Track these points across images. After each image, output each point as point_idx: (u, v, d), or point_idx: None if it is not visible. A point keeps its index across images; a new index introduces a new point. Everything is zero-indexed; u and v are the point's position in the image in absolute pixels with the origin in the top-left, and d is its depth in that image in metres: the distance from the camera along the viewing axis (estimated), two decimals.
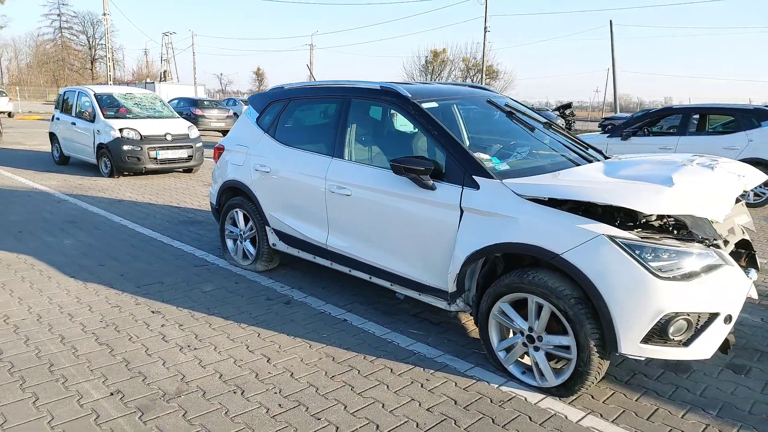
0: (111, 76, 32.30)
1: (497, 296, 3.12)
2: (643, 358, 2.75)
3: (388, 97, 3.85)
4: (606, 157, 4.06)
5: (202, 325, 3.72)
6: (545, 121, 4.22)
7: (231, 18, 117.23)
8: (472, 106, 4.32)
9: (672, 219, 2.86)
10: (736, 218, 3.36)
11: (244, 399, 2.84)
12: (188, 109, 20.85)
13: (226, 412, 2.71)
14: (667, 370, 3.31)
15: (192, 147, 10.39)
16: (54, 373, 3.03)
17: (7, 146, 15.06)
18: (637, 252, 2.67)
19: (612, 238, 2.71)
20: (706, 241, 2.79)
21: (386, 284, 3.80)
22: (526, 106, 4.64)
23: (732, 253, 3.47)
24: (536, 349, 3.04)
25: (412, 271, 3.57)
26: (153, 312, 3.92)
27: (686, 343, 2.74)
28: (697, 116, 10.16)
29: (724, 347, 2.96)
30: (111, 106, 10.49)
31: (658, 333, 2.68)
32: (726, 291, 2.75)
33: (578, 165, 3.64)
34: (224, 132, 20.49)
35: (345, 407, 2.81)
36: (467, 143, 3.83)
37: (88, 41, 72.97)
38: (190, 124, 10.98)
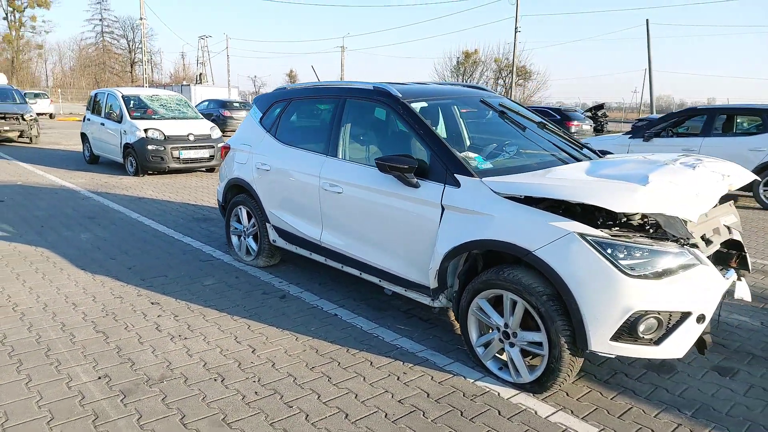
0: (146, 79, 33.22)
1: (475, 292, 3.17)
2: (613, 356, 2.76)
3: (380, 96, 3.93)
4: (600, 156, 4.06)
5: (197, 317, 3.86)
6: (539, 120, 4.23)
7: (265, 21, 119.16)
8: (465, 106, 4.36)
9: (649, 218, 2.86)
10: (722, 218, 3.33)
11: (223, 386, 2.96)
12: (217, 110, 21.34)
13: (203, 398, 2.84)
14: (649, 371, 3.30)
15: (214, 147, 10.66)
16: (50, 357, 3.21)
17: (44, 146, 15.70)
18: (607, 250, 2.68)
19: (582, 235, 2.73)
20: (681, 241, 2.78)
21: (375, 280, 3.87)
22: (525, 107, 4.66)
23: (721, 254, 3.45)
24: (511, 345, 3.07)
25: (398, 267, 3.64)
26: (152, 303, 4.09)
27: (657, 342, 2.73)
28: (722, 117, 9.92)
29: (701, 347, 2.94)
30: (137, 108, 10.87)
31: (628, 331, 2.69)
32: (699, 290, 2.73)
33: (567, 164, 3.65)
34: None
35: (318, 396, 2.90)
36: (453, 142, 3.87)
37: (128, 45, 75.18)
38: (213, 124, 11.27)
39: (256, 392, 2.91)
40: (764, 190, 8.85)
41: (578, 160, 3.81)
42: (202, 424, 2.61)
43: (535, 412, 2.81)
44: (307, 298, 4.31)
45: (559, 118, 19.87)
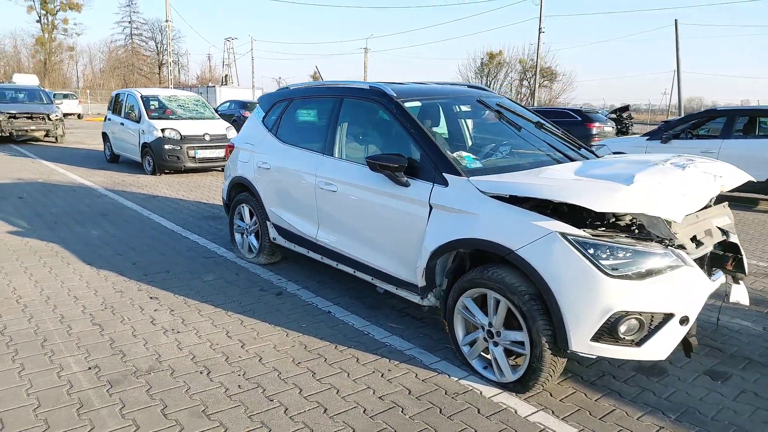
0: (171, 80, 33.83)
1: (461, 291, 3.17)
2: (594, 357, 2.73)
3: (375, 96, 3.96)
4: (598, 157, 4.02)
5: (192, 312, 3.94)
6: (537, 120, 4.21)
7: (289, 23, 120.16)
8: (461, 106, 4.36)
9: (637, 218, 2.83)
10: (714, 220, 3.26)
11: (208, 379, 3.01)
12: (238, 111, 21.57)
13: (187, 390, 2.89)
14: (638, 373, 3.25)
15: None
16: (45, 347, 3.31)
17: (68, 145, 16.11)
18: (589, 250, 2.66)
19: (564, 235, 2.71)
20: (666, 242, 2.74)
21: (368, 278, 3.90)
22: (524, 107, 4.63)
23: (717, 257, 3.39)
24: (495, 344, 3.06)
25: (389, 265, 3.66)
26: (151, 298, 4.18)
27: (639, 343, 2.70)
28: (743, 119, 9.71)
29: (687, 350, 2.90)
30: (156, 108, 11.09)
31: (608, 331, 2.66)
32: (683, 292, 2.69)
33: (561, 164, 3.63)
34: None
35: (300, 391, 2.93)
36: (445, 142, 3.88)
37: (156, 47, 76.52)
38: (228, 125, 11.43)
39: (239, 385, 2.96)
40: None
41: (572, 160, 3.78)
42: (182, 415, 2.67)
43: (515, 412, 2.80)
44: (304, 295, 4.36)
45: (579, 119, 19.58)
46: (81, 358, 3.18)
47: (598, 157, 4.04)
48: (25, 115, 15.68)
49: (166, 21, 32.11)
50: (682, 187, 2.92)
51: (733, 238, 3.41)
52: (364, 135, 4.28)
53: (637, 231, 2.83)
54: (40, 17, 62.31)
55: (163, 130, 10.25)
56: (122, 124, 11.45)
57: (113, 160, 12.28)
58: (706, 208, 3.30)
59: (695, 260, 3.09)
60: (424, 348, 3.50)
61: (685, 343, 2.88)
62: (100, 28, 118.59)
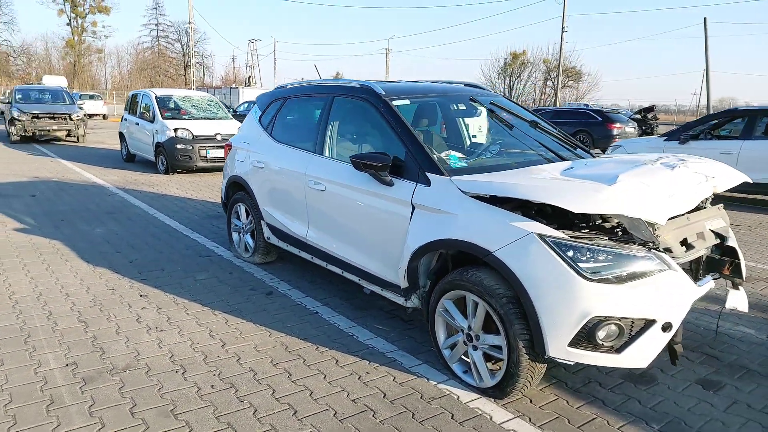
0: (194, 81, 34.29)
1: (442, 293, 3.10)
2: (571, 362, 2.64)
3: (364, 94, 3.91)
4: (593, 157, 3.90)
5: (179, 310, 3.93)
6: (531, 119, 4.11)
7: (312, 24, 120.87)
8: (453, 104, 4.28)
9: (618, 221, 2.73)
10: (707, 222, 3.13)
11: (182, 378, 2.99)
12: None
13: (159, 389, 2.88)
14: (626, 381, 3.14)
15: None
16: (27, 343, 3.33)
17: (89, 145, 16.41)
18: (567, 252, 2.57)
19: (542, 236, 2.62)
20: (649, 244, 2.63)
21: (355, 279, 3.84)
22: (524, 107, 4.54)
23: (713, 261, 3.25)
24: (474, 348, 2.98)
25: (375, 266, 3.60)
26: (141, 296, 4.19)
27: (618, 350, 2.59)
28: (766, 119, 9.39)
29: (673, 357, 2.79)
30: (169, 108, 11.21)
31: (586, 337, 2.57)
32: (665, 297, 2.58)
33: (551, 163, 3.53)
34: None
35: (273, 392, 2.89)
36: (431, 141, 3.81)
37: (182, 49, 77.61)
38: (240, 125, 11.47)
39: (212, 385, 2.93)
40: None
41: (566, 159, 3.67)
42: (150, 414, 2.65)
43: (491, 418, 2.72)
44: (294, 295, 4.32)
45: (600, 119, 19.27)
46: (60, 355, 3.20)
47: (593, 156, 3.93)
48: (48, 116, 16.01)
49: (189, 23, 32.60)
50: (669, 187, 2.80)
51: (731, 242, 3.27)
52: (354, 134, 4.23)
53: (621, 233, 2.73)
54: (70, 20, 63.87)
55: (175, 130, 10.35)
56: (137, 123, 11.61)
57: (129, 160, 12.46)
58: (698, 209, 3.17)
59: (686, 264, 2.97)
60: (406, 351, 3.43)
61: (670, 350, 2.77)
62: (128, 31, 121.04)
